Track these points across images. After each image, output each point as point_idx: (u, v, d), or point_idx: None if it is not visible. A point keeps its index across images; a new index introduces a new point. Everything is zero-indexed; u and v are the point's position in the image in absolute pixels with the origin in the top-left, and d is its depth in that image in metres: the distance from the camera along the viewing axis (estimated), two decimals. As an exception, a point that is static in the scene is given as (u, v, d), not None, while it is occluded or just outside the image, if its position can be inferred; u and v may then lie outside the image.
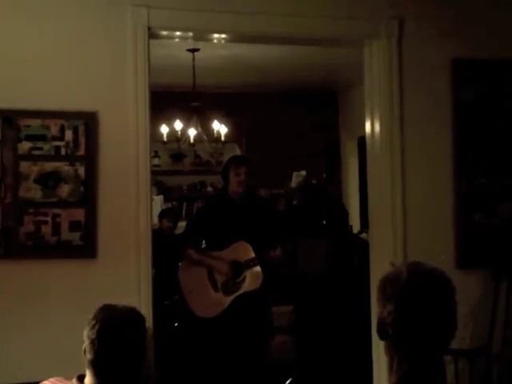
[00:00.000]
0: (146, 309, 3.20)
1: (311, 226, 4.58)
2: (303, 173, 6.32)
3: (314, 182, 6.27)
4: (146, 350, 2.00)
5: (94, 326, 1.89)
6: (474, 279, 3.67)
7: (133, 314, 1.98)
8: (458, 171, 3.70)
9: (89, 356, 1.89)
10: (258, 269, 4.02)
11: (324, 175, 8.40)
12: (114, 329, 1.90)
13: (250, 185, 4.30)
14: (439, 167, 3.71)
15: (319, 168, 8.33)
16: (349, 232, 5.76)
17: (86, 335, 1.91)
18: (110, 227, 3.30)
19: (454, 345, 1.77)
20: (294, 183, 6.46)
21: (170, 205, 8.08)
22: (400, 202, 3.61)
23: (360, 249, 4.74)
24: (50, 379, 2.04)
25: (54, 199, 3.24)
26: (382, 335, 1.70)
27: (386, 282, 1.71)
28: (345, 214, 5.29)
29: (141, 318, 1.99)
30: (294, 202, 6.39)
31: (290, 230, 4.35)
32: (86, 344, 1.90)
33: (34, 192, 3.21)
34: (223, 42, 3.79)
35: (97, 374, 1.89)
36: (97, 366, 1.89)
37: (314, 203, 5.07)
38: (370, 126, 3.74)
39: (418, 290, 1.67)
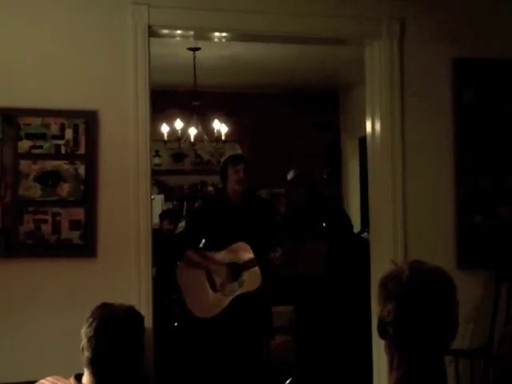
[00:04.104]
0: (145, 308, 3.21)
1: (311, 228, 4.56)
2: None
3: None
4: (143, 348, 1.99)
5: (91, 323, 1.88)
6: (475, 280, 3.67)
7: (131, 312, 1.97)
8: (459, 172, 3.69)
9: (86, 354, 1.88)
10: (256, 269, 4.00)
11: (325, 175, 8.39)
12: (111, 326, 1.89)
13: (250, 185, 4.29)
14: (440, 167, 3.70)
15: (320, 168, 8.33)
16: (350, 233, 5.72)
17: (83, 333, 1.90)
18: (110, 226, 3.30)
19: (455, 345, 1.76)
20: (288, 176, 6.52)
21: (170, 204, 8.07)
22: (401, 201, 3.61)
23: (361, 250, 4.72)
24: (48, 378, 2.03)
25: (54, 198, 3.23)
26: (383, 334, 1.69)
27: (387, 280, 1.70)
28: (347, 220, 5.24)
29: (139, 317, 1.99)
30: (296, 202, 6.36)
31: (286, 233, 4.32)
32: (84, 342, 1.89)
33: (34, 191, 3.21)
34: (224, 40, 3.78)
35: (94, 372, 1.88)
36: (94, 364, 1.88)
37: (312, 201, 5.03)
38: (371, 126, 3.74)
39: (419, 288, 1.65)
